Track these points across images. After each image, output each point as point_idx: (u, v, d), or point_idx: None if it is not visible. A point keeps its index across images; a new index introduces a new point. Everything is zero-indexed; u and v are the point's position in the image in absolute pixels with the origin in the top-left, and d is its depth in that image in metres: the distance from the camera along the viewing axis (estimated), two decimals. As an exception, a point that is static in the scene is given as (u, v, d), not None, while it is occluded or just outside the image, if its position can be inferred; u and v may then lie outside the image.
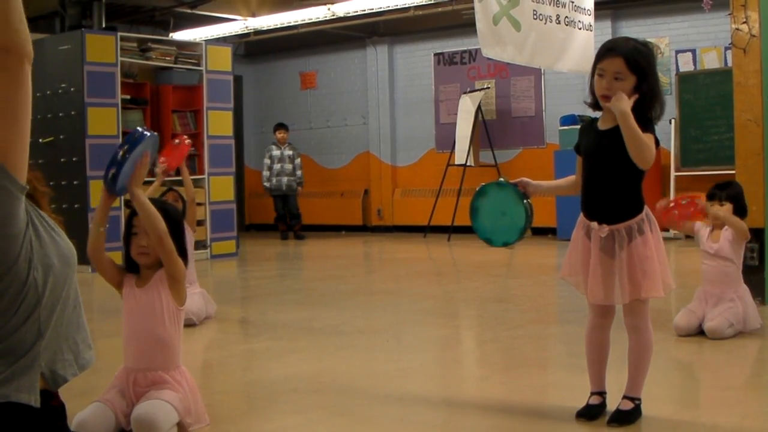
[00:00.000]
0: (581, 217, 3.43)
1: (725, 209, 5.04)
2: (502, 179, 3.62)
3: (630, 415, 3.36)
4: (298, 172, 13.46)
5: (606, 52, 3.27)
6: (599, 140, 3.33)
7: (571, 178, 3.58)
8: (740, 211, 5.08)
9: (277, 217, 13.61)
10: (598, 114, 3.45)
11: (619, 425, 3.32)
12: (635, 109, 3.25)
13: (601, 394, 3.49)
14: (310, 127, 15.19)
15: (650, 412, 3.43)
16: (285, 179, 13.35)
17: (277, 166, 13.38)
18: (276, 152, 13.42)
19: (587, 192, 3.40)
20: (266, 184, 13.43)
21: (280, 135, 13.53)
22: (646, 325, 3.39)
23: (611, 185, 3.32)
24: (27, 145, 2.05)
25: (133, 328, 3.34)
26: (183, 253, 3.39)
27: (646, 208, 3.35)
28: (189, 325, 5.48)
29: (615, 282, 3.33)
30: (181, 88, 10.66)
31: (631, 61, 3.21)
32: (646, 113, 3.27)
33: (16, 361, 2.07)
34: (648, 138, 3.20)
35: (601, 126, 3.35)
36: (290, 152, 13.45)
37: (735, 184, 5.21)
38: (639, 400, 3.40)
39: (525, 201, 3.51)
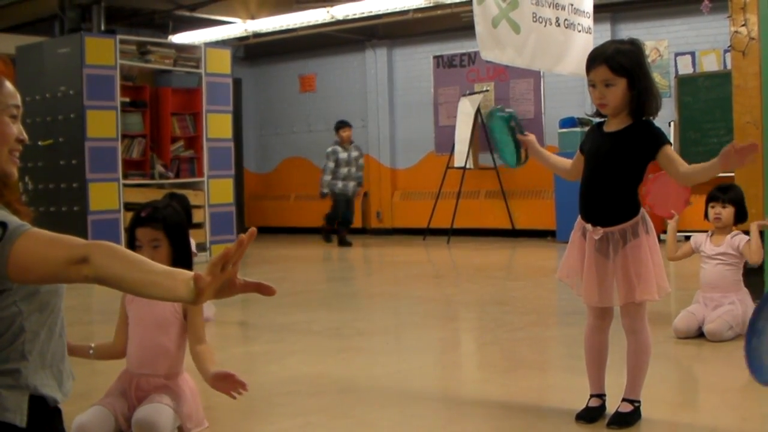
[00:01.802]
0: (579, 218, 3.45)
1: (727, 212, 5.03)
2: (499, 109, 3.81)
3: (629, 417, 3.37)
4: (359, 173, 12.52)
5: (590, 62, 3.32)
6: (602, 142, 3.36)
7: (567, 163, 3.62)
8: (741, 215, 5.07)
9: (331, 216, 12.52)
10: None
11: (619, 428, 3.32)
12: (635, 109, 3.28)
13: (601, 396, 3.49)
14: (309, 130, 15.19)
15: (650, 414, 3.43)
16: (352, 184, 12.36)
17: (344, 170, 12.28)
18: (343, 155, 12.31)
19: (585, 193, 3.42)
20: (325, 190, 12.27)
21: (345, 134, 12.36)
22: (643, 327, 3.40)
23: (609, 187, 3.34)
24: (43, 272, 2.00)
25: (139, 336, 3.32)
26: (187, 261, 3.38)
27: (643, 211, 3.37)
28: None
29: (609, 284, 3.35)
30: (180, 90, 10.67)
31: (615, 65, 3.25)
32: (642, 111, 3.30)
33: (1, 381, 2.07)
34: (671, 150, 3.30)
35: (607, 129, 3.38)
36: (356, 153, 12.44)
37: (737, 187, 5.19)
38: (638, 402, 3.41)
39: (515, 139, 3.66)
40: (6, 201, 2.16)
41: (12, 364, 2.10)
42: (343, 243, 12.34)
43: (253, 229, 1.77)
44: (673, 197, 5.06)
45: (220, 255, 1.77)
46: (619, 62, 3.24)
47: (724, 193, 5.09)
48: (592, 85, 3.32)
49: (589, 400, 3.48)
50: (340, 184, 12.25)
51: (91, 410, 3.16)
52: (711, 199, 5.11)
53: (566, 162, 3.64)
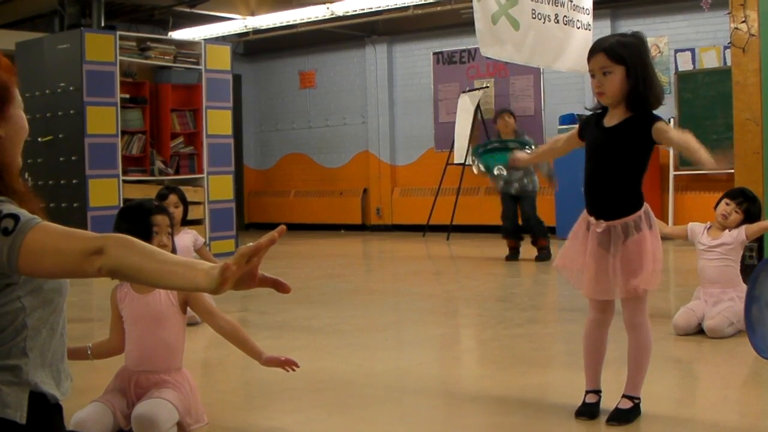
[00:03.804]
0: (584, 212, 3.46)
1: (736, 217, 5.00)
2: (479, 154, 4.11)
3: (629, 413, 3.37)
4: (529, 170, 9.53)
5: (590, 53, 3.36)
6: (604, 137, 3.37)
7: (557, 142, 3.70)
8: (749, 220, 5.05)
9: (504, 228, 9.70)
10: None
11: (618, 424, 3.32)
12: (633, 101, 3.28)
13: (597, 392, 3.49)
14: (309, 126, 15.19)
15: (650, 410, 3.43)
16: (517, 185, 9.61)
17: None
18: None
19: (589, 187, 3.43)
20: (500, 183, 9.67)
21: (500, 122, 9.96)
22: (644, 323, 3.41)
23: (612, 181, 3.35)
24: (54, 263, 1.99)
25: (137, 333, 3.33)
26: (174, 252, 3.43)
27: (646, 206, 3.38)
28: (191, 323, 5.48)
29: (609, 277, 3.35)
30: (180, 87, 10.66)
31: (613, 53, 3.28)
32: (643, 102, 3.31)
33: (2, 377, 2.07)
34: (663, 124, 3.32)
35: (607, 123, 3.39)
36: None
37: (758, 202, 5.15)
38: (638, 399, 3.41)
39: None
40: (18, 191, 2.17)
41: (13, 360, 2.09)
42: (540, 257, 9.42)
43: (282, 227, 1.79)
44: None
45: (251, 247, 1.78)
46: (617, 51, 3.27)
47: (745, 198, 5.04)
48: (592, 75, 3.34)
49: (586, 396, 3.48)
50: (501, 182, 9.69)
51: (89, 406, 3.17)
52: (729, 195, 5.07)
53: (559, 144, 3.70)
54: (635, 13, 12.00)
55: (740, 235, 5.02)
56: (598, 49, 3.31)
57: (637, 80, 3.27)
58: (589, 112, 3.54)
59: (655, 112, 3.37)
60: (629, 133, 3.30)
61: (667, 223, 11.32)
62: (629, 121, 3.32)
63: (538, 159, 3.80)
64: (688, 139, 3.27)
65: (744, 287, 5.12)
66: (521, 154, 3.81)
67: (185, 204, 6.00)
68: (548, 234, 9.63)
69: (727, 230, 5.04)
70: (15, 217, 1.98)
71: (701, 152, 3.21)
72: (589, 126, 3.48)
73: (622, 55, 3.26)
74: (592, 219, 3.39)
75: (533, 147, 4.04)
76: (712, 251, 5.07)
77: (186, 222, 6.10)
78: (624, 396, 3.41)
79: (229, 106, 11.02)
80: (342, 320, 6.05)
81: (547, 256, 9.26)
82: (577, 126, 3.58)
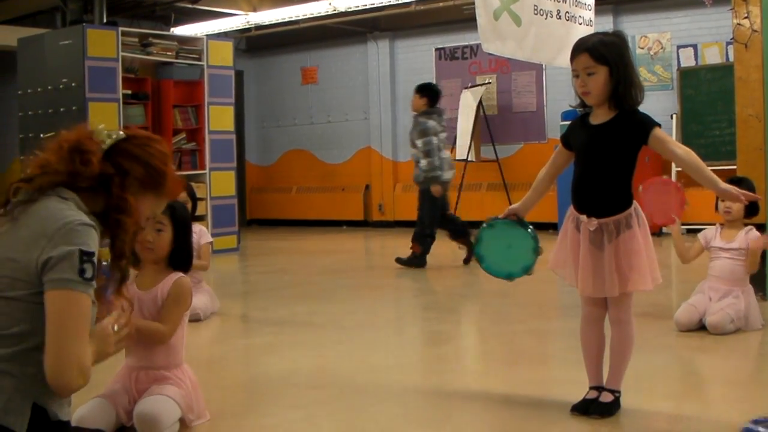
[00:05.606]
0: (571, 209, 3.47)
1: (738, 206, 4.99)
2: (489, 221, 3.55)
3: (611, 407, 3.41)
4: (422, 162, 8.46)
5: (574, 52, 3.36)
6: (591, 135, 3.37)
7: (545, 176, 3.59)
8: (752, 208, 5.04)
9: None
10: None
11: (601, 417, 3.36)
12: (616, 100, 3.28)
13: (599, 388, 3.49)
14: (311, 122, 15.18)
15: (652, 406, 3.45)
16: (415, 168, 8.71)
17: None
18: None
19: (578, 185, 3.43)
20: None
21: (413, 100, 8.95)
22: (628, 318, 3.44)
23: (602, 179, 3.36)
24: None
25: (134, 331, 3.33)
26: (188, 256, 3.39)
27: (635, 203, 3.39)
28: (194, 320, 5.49)
29: (604, 274, 3.36)
30: (182, 83, 10.66)
31: (596, 53, 3.28)
32: (623, 101, 3.30)
33: (5, 383, 2.08)
34: (661, 132, 3.32)
35: (593, 121, 3.39)
36: (414, 132, 8.71)
37: (748, 181, 5.12)
38: (619, 392, 3.45)
39: (522, 227, 3.50)
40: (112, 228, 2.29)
41: (24, 368, 2.10)
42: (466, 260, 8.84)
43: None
44: (669, 203, 5.02)
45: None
46: (600, 51, 3.28)
47: (736, 186, 5.03)
48: (575, 75, 3.35)
49: (588, 392, 3.49)
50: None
51: (91, 402, 3.17)
52: None
53: (537, 182, 3.59)
54: (637, 9, 11.98)
55: (750, 242, 5.00)
56: (581, 49, 3.32)
57: (619, 79, 3.28)
58: (573, 108, 3.56)
59: (656, 108, 3.37)
60: (617, 131, 3.31)
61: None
62: (616, 119, 3.33)
63: (533, 201, 3.64)
64: (697, 161, 3.30)
65: (750, 287, 5.12)
66: (514, 206, 3.61)
67: (194, 200, 6.01)
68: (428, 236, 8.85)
69: (743, 232, 5.03)
70: (89, 267, 2.08)
71: (718, 181, 3.32)
72: (575, 129, 3.49)
73: (605, 56, 3.28)
74: (583, 217, 3.38)
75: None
76: (726, 251, 5.06)
77: (194, 218, 6.10)
78: (605, 389, 3.44)
79: (231, 102, 11.01)
80: (343, 316, 6.06)
81: (467, 261, 8.68)
82: (560, 145, 3.55)
